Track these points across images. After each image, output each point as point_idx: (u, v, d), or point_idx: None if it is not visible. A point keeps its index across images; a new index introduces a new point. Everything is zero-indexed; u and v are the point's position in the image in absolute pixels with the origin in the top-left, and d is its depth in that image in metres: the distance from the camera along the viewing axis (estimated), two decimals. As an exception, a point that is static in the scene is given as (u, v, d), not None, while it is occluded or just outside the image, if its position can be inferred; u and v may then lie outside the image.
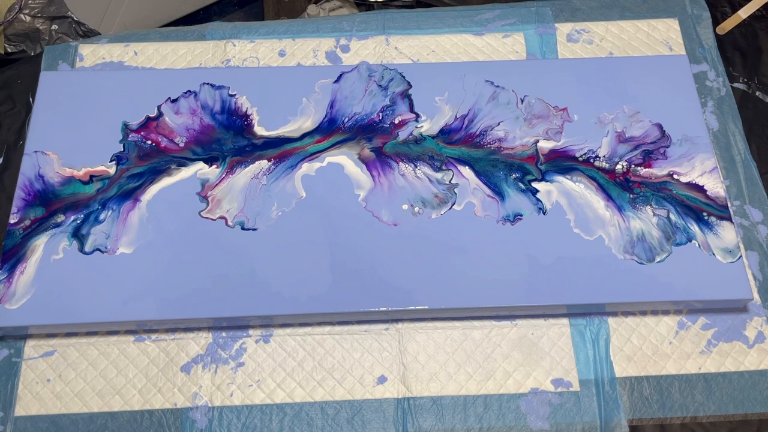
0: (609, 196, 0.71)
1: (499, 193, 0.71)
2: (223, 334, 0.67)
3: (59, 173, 0.70)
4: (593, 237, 0.69)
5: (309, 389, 0.66)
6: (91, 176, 0.70)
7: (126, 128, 0.73)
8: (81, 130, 0.72)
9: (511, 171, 0.72)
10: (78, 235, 0.67)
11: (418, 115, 0.75)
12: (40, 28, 1.08)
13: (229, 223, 0.68)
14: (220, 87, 0.75)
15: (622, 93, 0.77)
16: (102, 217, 0.68)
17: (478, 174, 0.72)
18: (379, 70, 0.77)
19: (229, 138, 0.73)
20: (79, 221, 0.68)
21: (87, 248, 0.66)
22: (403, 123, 0.74)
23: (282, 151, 0.72)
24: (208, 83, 0.76)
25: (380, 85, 0.76)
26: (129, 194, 0.69)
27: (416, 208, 0.70)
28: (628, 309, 0.69)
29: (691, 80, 0.77)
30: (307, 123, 0.74)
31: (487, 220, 0.69)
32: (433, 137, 0.74)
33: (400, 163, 0.72)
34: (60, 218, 0.68)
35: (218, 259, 0.66)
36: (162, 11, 1.36)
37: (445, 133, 0.74)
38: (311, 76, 0.77)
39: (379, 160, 0.72)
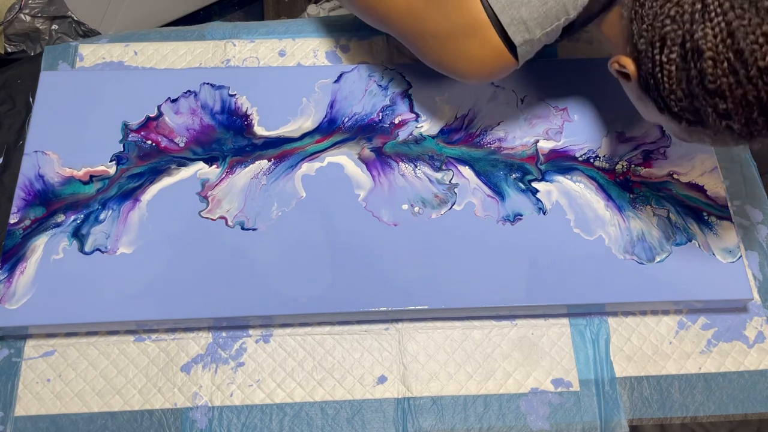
0: (609, 196, 0.71)
1: (499, 193, 0.71)
2: (223, 334, 0.67)
3: (59, 173, 0.70)
4: (593, 237, 0.69)
5: (309, 389, 0.66)
6: (91, 176, 0.70)
7: (126, 128, 0.73)
8: (81, 130, 0.72)
9: (511, 171, 0.72)
10: (78, 235, 0.67)
11: (418, 115, 0.75)
12: (40, 28, 1.08)
13: (229, 223, 0.68)
14: (220, 87, 0.75)
15: (622, 93, 0.76)
16: (102, 217, 0.68)
17: (478, 174, 0.72)
18: (379, 70, 0.77)
19: (229, 138, 0.73)
20: (79, 221, 0.68)
21: (87, 248, 0.66)
22: (403, 123, 0.74)
23: (282, 151, 0.72)
24: (208, 83, 0.76)
25: (380, 85, 0.76)
26: (129, 194, 0.69)
27: (416, 208, 0.70)
28: (628, 309, 0.69)
29: (691, 80, 0.77)
30: (307, 123, 0.74)
31: (487, 220, 0.69)
32: (433, 137, 0.74)
33: (400, 163, 0.72)
34: (60, 218, 0.68)
35: (218, 259, 0.66)
36: (162, 11, 1.36)
37: (445, 133, 0.74)
38: (311, 76, 0.77)
39: (379, 160, 0.72)
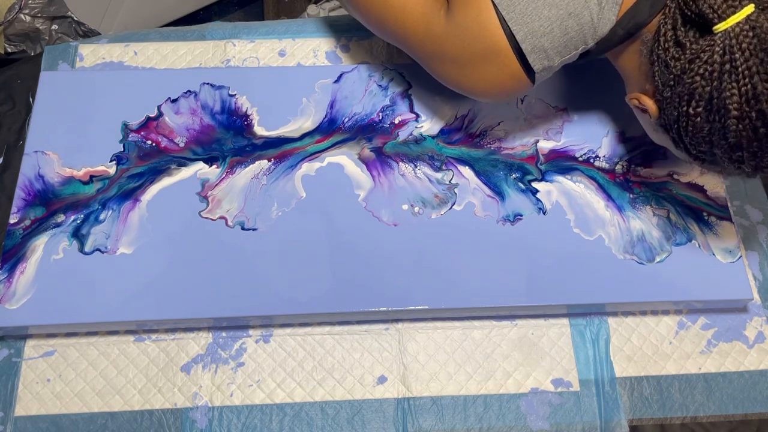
0: (609, 196, 0.71)
1: (499, 193, 0.71)
2: (223, 334, 0.67)
3: (59, 173, 0.70)
4: (593, 237, 0.69)
5: (309, 389, 0.66)
6: (91, 176, 0.70)
7: (126, 128, 0.73)
8: (81, 130, 0.72)
9: (511, 171, 0.72)
10: (78, 235, 0.67)
11: (418, 115, 0.75)
12: (40, 28, 1.08)
13: (229, 223, 0.68)
14: (220, 87, 0.75)
15: (622, 93, 0.76)
16: (102, 217, 0.68)
17: (478, 174, 0.72)
18: (379, 70, 0.77)
19: (229, 138, 0.73)
20: (79, 221, 0.68)
21: (87, 248, 0.66)
22: (403, 123, 0.74)
23: (282, 151, 0.72)
24: (208, 83, 0.76)
25: (380, 85, 0.76)
26: (129, 194, 0.69)
27: (416, 208, 0.70)
28: (628, 309, 0.69)
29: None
30: (307, 123, 0.74)
31: (487, 220, 0.69)
32: (433, 137, 0.74)
33: (400, 163, 0.72)
34: (60, 218, 0.68)
35: (218, 259, 0.66)
36: (162, 11, 1.36)
37: (445, 133, 0.74)
38: (311, 76, 0.77)
39: (379, 160, 0.72)
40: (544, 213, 0.70)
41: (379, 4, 0.65)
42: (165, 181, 0.70)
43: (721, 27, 0.49)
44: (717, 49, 0.50)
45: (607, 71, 0.78)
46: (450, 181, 0.71)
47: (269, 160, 0.72)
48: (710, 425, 0.67)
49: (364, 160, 0.72)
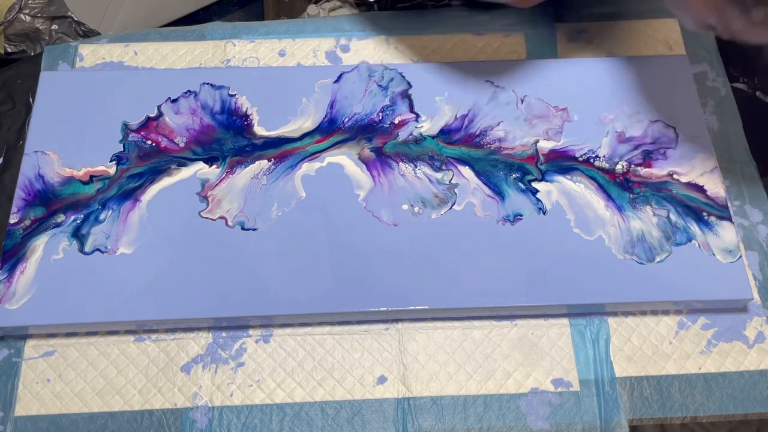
0: (609, 196, 0.71)
1: (499, 193, 0.71)
2: (223, 334, 0.67)
3: (59, 173, 0.70)
4: (593, 237, 0.69)
5: (309, 389, 0.66)
6: (91, 176, 0.70)
7: (126, 128, 0.73)
8: (81, 130, 0.72)
9: (511, 171, 0.72)
10: (78, 235, 0.67)
11: (418, 115, 0.75)
12: (40, 28, 1.08)
13: (229, 223, 0.68)
14: (220, 87, 0.75)
15: (621, 93, 0.77)
16: (102, 217, 0.68)
17: (478, 174, 0.72)
18: (379, 70, 0.77)
19: (229, 138, 0.73)
20: (79, 221, 0.68)
21: (87, 248, 0.66)
22: (403, 123, 0.74)
23: (282, 151, 0.72)
24: (208, 83, 0.76)
25: (380, 85, 0.76)
26: (129, 194, 0.69)
27: (416, 208, 0.70)
28: (628, 309, 0.69)
29: (691, 80, 0.77)
30: (307, 123, 0.74)
31: (487, 220, 0.69)
32: (433, 137, 0.74)
33: (400, 163, 0.72)
34: (60, 218, 0.68)
35: (218, 259, 0.66)
36: (162, 11, 1.36)
37: (445, 133, 0.74)
38: (311, 76, 0.77)
39: (379, 160, 0.72)
40: (544, 213, 0.70)
41: None
42: (165, 181, 0.70)
43: None
44: None
45: (607, 71, 0.78)
46: (450, 181, 0.71)
47: (269, 160, 0.72)
48: (710, 425, 0.67)
49: (364, 160, 0.72)
